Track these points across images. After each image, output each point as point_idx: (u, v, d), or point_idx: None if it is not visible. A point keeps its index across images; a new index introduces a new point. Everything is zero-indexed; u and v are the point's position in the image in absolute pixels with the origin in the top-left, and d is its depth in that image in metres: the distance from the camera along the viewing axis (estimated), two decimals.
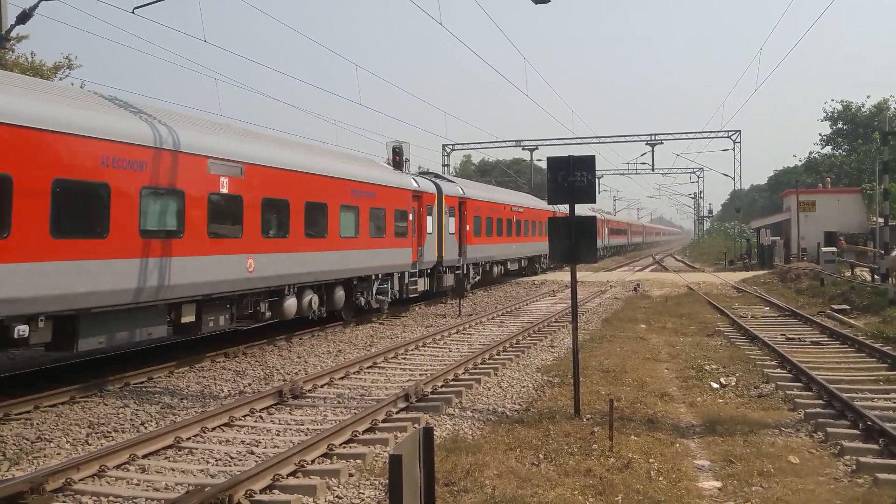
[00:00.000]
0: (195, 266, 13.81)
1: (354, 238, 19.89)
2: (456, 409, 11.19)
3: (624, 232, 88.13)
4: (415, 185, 24.43)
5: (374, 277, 21.20)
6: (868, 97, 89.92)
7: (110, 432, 10.02)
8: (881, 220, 33.48)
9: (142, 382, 13.18)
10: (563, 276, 38.84)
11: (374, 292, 21.23)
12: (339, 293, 19.40)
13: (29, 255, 10.60)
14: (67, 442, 9.57)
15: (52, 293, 10.94)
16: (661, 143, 58.70)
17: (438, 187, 26.73)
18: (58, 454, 9.05)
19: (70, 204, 11.32)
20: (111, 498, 7.45)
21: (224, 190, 14.75)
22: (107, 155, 11.91)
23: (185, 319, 13.97)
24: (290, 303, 17.10)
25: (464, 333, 19.34)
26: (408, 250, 23.30)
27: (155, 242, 12.92)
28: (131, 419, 10.71)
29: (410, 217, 23.57)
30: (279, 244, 16.55)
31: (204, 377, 13.80)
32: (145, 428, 10.23)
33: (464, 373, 13.62)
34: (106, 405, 11.53)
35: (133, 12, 14.74)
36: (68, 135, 11.30)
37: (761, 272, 40.91)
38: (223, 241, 14.74)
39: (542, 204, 43.37)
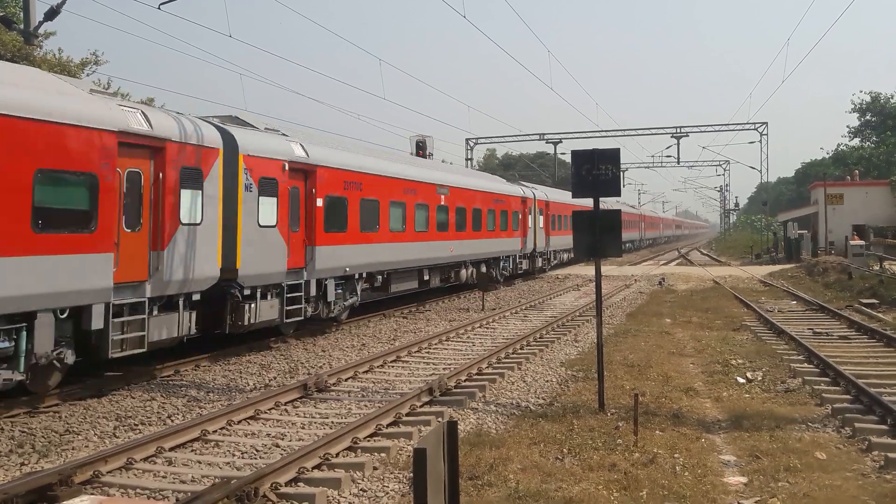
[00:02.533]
0: None
1: None
2: (480, 404, 11.19)
3: (636, 225, 76.83)
4: (139, 124, 12.23)
5: None
6: None
7: (137, 425, 10.14)
8: None
9: (168, 376, 13.32)
10: (587, 270, 38.64)
11: None
12: None
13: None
14: (95, 435, 9.70)
15: None
16: (687, 136, 58.14)
17: (230, 138, 14.48)
18: (86, 447, 9.18)
19: None
20: (138, 490, 7.55)
21: None
22: None
23: None
24: None
25: (487, 328, 19.32)
26: (105, 258, 11.43)
27: None
28: (158, 412, 10.83)
29: (123, 189, 12.00)
30: None
31: (230, 370, 13.92)
32: (172, 421, 10.34)
33: (487, 367, 13.62)
34: (133, 398, 11.68)
35: (159, 8, 14.88)
36: None
37: (788, 266, 40.43)
38: None
39: (510, 188, 33.85)
